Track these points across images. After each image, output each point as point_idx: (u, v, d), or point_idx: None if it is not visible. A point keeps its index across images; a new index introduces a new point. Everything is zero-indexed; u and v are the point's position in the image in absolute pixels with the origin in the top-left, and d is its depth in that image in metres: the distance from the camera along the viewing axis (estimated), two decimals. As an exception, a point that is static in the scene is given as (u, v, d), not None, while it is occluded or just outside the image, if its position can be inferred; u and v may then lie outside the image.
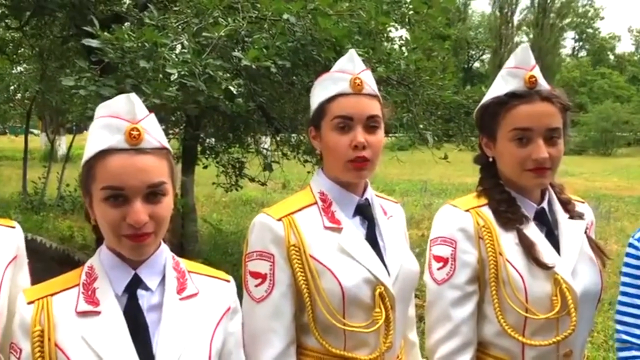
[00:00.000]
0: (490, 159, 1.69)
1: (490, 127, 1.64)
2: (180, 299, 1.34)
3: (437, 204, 11.70)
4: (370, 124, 1.59)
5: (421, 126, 5.78)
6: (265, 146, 7.42)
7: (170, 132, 6.97)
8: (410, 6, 5.02)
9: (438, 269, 1.61)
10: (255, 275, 1.58)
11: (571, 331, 1.53)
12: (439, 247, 1.63)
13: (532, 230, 1.60)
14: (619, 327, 1.60)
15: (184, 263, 1.42)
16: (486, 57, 51.52)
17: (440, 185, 15.77)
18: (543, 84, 1.60)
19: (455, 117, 5.97)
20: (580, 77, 44.43)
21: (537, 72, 1.60)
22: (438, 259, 1.62)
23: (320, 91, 1.64)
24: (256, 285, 1.57)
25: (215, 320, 1.38)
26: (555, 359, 1.58)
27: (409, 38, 5.68)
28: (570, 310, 1.53)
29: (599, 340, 4.69)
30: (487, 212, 1.63)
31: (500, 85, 1.63)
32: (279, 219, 1.58)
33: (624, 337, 1.58)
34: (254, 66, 3.55)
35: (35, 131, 22.47)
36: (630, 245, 1.60)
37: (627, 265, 1.60)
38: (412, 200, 12.82)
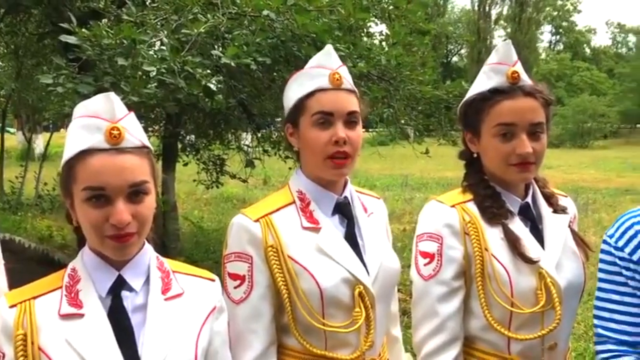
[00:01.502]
0: (475, 155, 1.69)
1: (474, 123, 1.64)
2: (165, 300, 1.33)
3: (418, 199, 11.78)
4: (350, 119, 1.57)
5: (402, 121, 5.80)
6: (246, 143, 7.40)
7: (150, 129, 6.91)
8: (390, 1, 5.01)
9: (424, 264, 1.61)
10: (233, 276, 1.56)
11: (556, 325, 1.54)
12: (425, 243, 1.62)
13: (517, 225, 1.61)
14: (596, 321, 1.61)
15: (169, 263, 1.40)
16: (464, 51, 51.87)
17: (421, 180, 15.86)
18: (525, 79, 1.60)
19: (436, 111, 5.99)
20: (558, 71, 44.95)
21: (519, 68, 1.60)
22: (424, 254, 1.62)
23: (297, 87, 1.60)
24: (235, 287, 1.56)
25: (201, 320, 1.37)
26: (540, 352, 1.59)
27: (389, 33, 5.70)
28: (554, 304, 1.54)
29: (580, 331, 4.75)
30: (472, 207, 1.63)
31: (483, 81, 1.63)
32: (256, 220, 1.56)
33: (601, 331, 1.60)
34: (233, 64, 3.52)
35: (12, 130, 22.11)
36: (604, 242, 1.61)
37: (602, 261, 1.61)
38: (393, 194, 12.88)
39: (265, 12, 3.82)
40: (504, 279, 1.55)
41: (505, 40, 1.76)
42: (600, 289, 1.61)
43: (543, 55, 51.84)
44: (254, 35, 3.81)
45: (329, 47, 1.64)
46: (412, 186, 14.61)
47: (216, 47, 4.00)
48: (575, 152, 26.85)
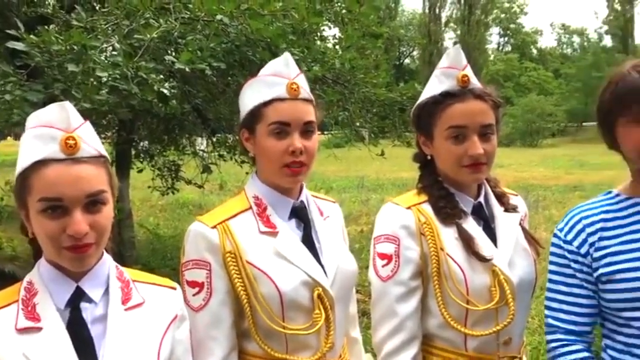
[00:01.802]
0: (429, 157, 1.74)
1: (427, 126, 1.69)
2: (126, 310, 1.32)
3: (375, 200, 11.91)
4: (306, 129, 1.59)
5: (357, 124, 5.86)
6: (202, 147, 7.34)
7: (102, 136, 6.79)
8: (343, 5, 5.07)
9: (382, 266, 1.65)
10: (192, 284, 1.56)
11: (510, 320, 1.60)
12: (383, 244, 1.66)
13: (471, 225, 1.66)
14: (546, 312, 1.68)
15: (128, 272, 1.39)
16: (416, 53, 52.65)
17: (377, 181, 16.02)
18: (475, 83, 1.66)
19: (390, 113, 6.08)
20: (506, 71, 46.09)
21: (469, 72, 1.66)
22: (382, 256, 1.65)
23: (254, 94, 1.61)
24: (194, 295, 1.55)
25: (163, 329, 1.36)
26: (495, 347, 1.65)
27: (342, 37, 5.76)
28: (508, 300, 1.60)
29: (534, 325, 4.88)
30: (427, 208, 1.68)
31: (435, 85, 1.68)
32: (213, 227, 1.56)
33: (550, 321, 1.66)
34: (188, 69, 3.50)
35: (-45, 138, 21.33)
36: (554, 235, 1.68)
37: (552, 254, 1.68)
38: (350, 196, 12.99)
39: (218, 17, 3.81)
40: (459, 277, 1.60)
41: (455, 42, 1.83)
42: (550, 281, 1.68)
43: (492, 57, 53.10)
44: (207, 40, 3.79)
45: (287, 55, 1.64)
46: (369, 187, 14.75)
47: (169, 52, 3.96)
48: (525, 151, 27.59)
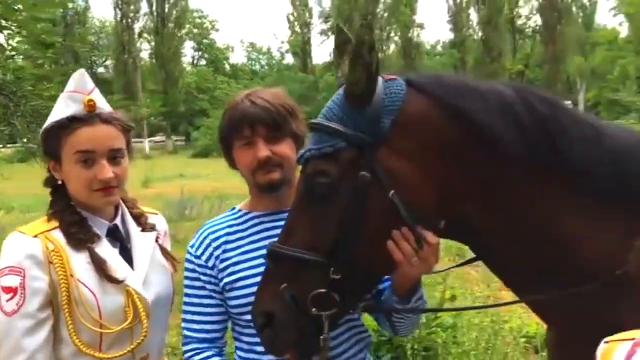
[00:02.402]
0: (60, 182, 1.69)
1: (54, 150, 1.66)
2: None
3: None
4: None
5: (25, 140, 5.42)
6: None
7: None
8: (-1, 12, 4.65)
9: (7, 300, 1.55)
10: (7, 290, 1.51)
11: (144, 337, 1.64)
12: (7, 277, 1.57)
13: (105, 248, 1.67)
14: (182, 324, 1.79)
15: None
16: (111, 63, 50.75)
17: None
18: (102, 107, 1.67)
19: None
20: (200, 84, 47.40)
21: (95, 96, 1.66)
22: (7, 290, 1.56)
23: None
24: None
25: None
26: None
27: (5, 45, 5.30)
28: (141, 318, 1.64)
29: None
30: (57, 235, 1.63)
31: (62, 109, 1.65)
32: None
33: (186, 332, 1.78)
34: None
35: None
36: (187, 251, 1.81)
37: (186, 269, 1.81)
38: (37, 216, 11.84)
39: None
40: (91, 302, 1.59)
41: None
42: (185, 294, 1.80)
43: (189, 69, 54.11)
44: None
45: None
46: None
47: None
48: (222, 161, 28.58)
